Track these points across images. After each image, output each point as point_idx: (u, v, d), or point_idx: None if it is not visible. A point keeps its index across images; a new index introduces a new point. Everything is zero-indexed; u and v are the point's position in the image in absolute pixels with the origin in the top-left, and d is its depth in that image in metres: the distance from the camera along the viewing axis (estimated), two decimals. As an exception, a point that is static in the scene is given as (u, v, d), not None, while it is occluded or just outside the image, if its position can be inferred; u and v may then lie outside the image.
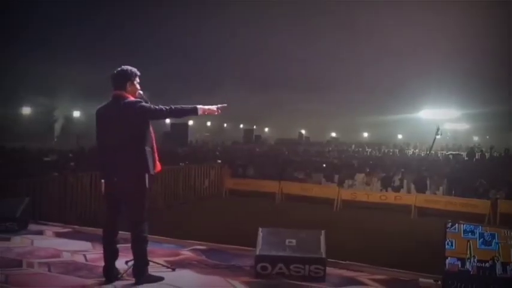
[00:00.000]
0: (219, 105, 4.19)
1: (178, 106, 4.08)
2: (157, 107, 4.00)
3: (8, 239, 5.49)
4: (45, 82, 37.51)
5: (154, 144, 4.13)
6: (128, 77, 4.10)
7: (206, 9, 36.99)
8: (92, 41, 36.18)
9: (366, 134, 59.42)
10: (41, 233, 5.92)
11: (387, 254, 7.58)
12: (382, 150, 36.12)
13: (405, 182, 14.73)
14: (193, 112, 4.15)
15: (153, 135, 4.12)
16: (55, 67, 34.72)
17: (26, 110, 42.08)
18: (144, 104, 3.99)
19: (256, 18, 38.08)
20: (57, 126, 45.04)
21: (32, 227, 6.12)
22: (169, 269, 4.43)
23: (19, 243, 5.40)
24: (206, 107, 4.14)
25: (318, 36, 42.03)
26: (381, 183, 14.94)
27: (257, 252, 4.47)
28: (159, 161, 4.16)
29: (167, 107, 4.03)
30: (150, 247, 4.21)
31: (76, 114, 44.88)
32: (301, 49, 43.22)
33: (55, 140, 37.02)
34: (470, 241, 3.99)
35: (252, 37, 41.48)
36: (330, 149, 35.79)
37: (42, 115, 42.84)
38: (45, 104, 42.49)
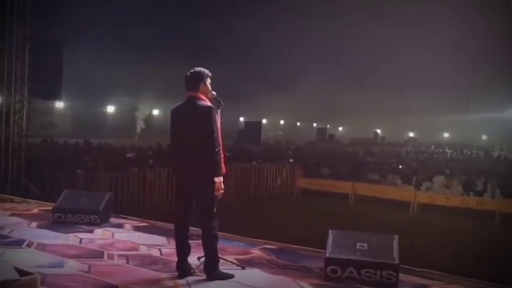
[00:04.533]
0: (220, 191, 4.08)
1: (221, 158, 4.05)
2: (216, 143, 3.99)
3: (91, 231, 5.85)
4: (128, 82, 39.76)
5: (221, 146, 4.14)
6: (201, 78, 4.19)
7: (287, 5, 36.92)
8: (167, 42, 37.72)
9: (446, 135, 56.44)
10: (121, 226, 6.24)
11: (468, 263, 7.16)
12: (464, 151, 34.08)
13: (489, 186, 13.79)
14: (219, 174, 4.05)
15: (220, 138, 4.13)
16: (136, 68, 36.64)
17: (111, 109, 44.88)
18: (214, 123, 4.01)
19: (335, 16, 37.37)
20: (138, 124, 47.70)
21: (113, 220, 6.48)
22: (240, 267, 4.48)
23: (101, 235, 5.73)
24: (221, 181, 4.05)
25: (395, 34, 40.45)
26: (462, 186, 14.12)
27: (327, 255, 4.40)
28: (225, 164, 4.18)
29: (219, 150, 4.02)
30: (221, 244, 4.27)
31: (155, 112, 47.17)
32: (380, 47, 41.91)
33: (136, 137, 39.07)
34: None
35: (328, 35, 40.90)
36: (408, 149, 34.38)
37: (125, 113, 45.52)
38: (128, 102, 45.14)
